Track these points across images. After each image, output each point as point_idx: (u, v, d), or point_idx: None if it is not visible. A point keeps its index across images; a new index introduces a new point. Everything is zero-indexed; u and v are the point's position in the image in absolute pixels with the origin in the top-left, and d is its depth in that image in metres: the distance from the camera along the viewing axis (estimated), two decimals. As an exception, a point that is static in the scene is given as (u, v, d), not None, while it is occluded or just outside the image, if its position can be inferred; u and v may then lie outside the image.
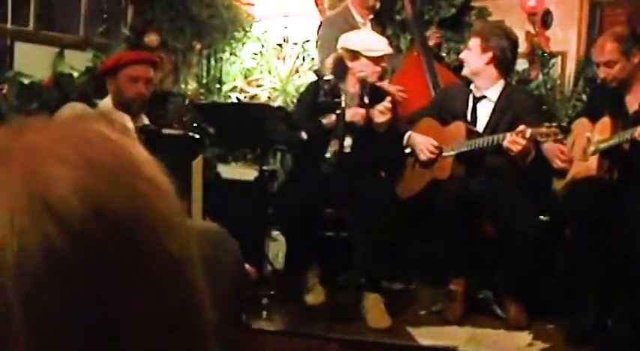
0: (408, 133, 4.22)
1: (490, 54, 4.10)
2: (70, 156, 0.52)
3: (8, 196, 0.49)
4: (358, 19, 4.75)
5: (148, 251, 0.52)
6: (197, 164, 3.51)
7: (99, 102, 3.88)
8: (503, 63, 4.13)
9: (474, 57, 4.12)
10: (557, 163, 3.89)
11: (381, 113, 3.98)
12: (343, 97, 3.93)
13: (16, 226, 0.48)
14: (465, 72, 4.17)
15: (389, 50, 4.19)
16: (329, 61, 4.28)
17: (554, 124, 3.77)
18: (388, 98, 4.06)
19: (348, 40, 4.20)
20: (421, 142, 4.16)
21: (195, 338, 0.56)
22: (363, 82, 4.06)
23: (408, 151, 4.24)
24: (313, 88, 4.21)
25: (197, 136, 3.75)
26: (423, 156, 4.14)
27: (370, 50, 4.08)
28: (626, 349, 3.45)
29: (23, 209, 0.49)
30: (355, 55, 4.10)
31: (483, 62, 4.10)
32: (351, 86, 4.12)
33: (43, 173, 0.50)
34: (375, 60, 4.08)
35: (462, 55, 4.21)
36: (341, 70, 4.16)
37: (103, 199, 0.51)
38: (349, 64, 4.12)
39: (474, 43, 4.12)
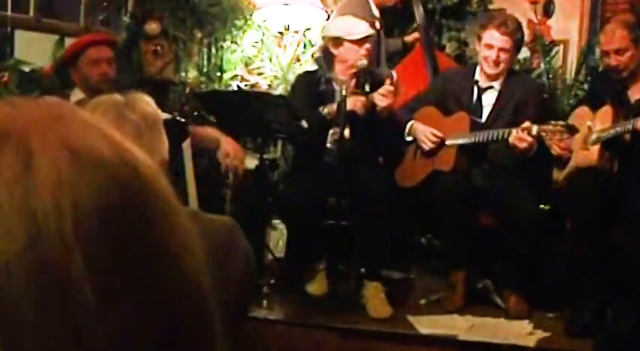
0: (410, 122, 4.22)
1: (517, 54, 4.22)
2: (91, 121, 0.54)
3: (49, 155, 0.50)
4: (375, 12, 4.76)
5: (158, 223, 0.54)
6: (186, 147, 3.54)
7: (69, 93, 3.89)
8: None
9: (509, 57, 4.07)
10: (556, 150, 3.89)
11: (383, 96, 3.97)
12: (344, 86, 3.95)
13: (64, 179, 0.49)
14: (496, 71, 4.07)
15: (370, 31, 4.19)
16: (316, 52, 4.32)
17: (560, 123, 3.76)
18: (388, 81, 4.06)
19: (329, 28, 4.28)
20: (423, 131, 4.16)
21: (200, 307, 0.56)
22: (361, 70, 4.07)
23: (410, 139, 4.24)
24: (309, 78, 4.23)
25: (183, 120, 3.77)
26: (425, 146, 4.13)
27: (351, 34, 4.10)
28: (625, 339, 3.45)
29: (68, 164, 0.50)
30: (338, 41, 4.12)
31: (513, 61, 4.15)
32: (340, 73, 4.14)
33: (77, 135, 0.52)
34: (359, 43, 4.09)
35: (502, 57, 4.01)
36: (328, 59, 4.18)
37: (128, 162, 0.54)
38: (334, 51, 4.15)
39: (509, 44, 4.02)
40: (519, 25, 4.12)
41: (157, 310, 0.52)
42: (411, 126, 4.22)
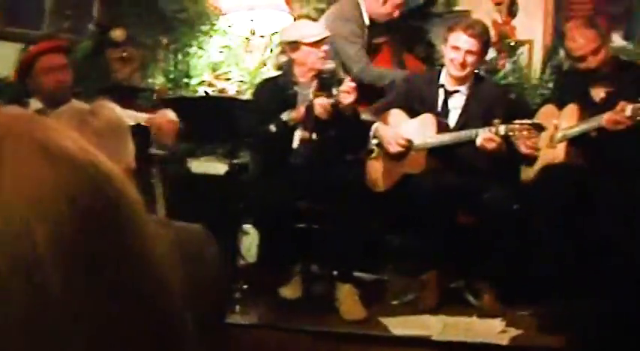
0: (375, 125, 4.23)
1: (484, 57, 4.24)
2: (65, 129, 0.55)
3: (21, 151, 0.51)
4: (366, 20, 4.78)
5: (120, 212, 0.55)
6: (151, 153, 3.54)
7: (29, 101, 3.86)
8: None
9: (476, 60, 4.10)
10: (524, 149, 3.92)
11: (347, 93, 3.98)
12: (311, 90, 3.97)
13: (34, 175, 0.50)
14: (462, 74, 4.07)
15: (326, 33, 4.21)
16: (280, 57, 4.35)
17: (527, 121, 3.80)
18: (348, 78, 4.08)
19: (285, 33, 4.32)
20: (390, 135, 4.16)
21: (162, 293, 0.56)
22: (325, 71, 4.08)
23: (375, 142, 4.24)
24: (270, 84, 4.25)
25: (148, 126, 3.75)
26: (393, 149, 4.14)
27: (306, 36, 4.12)
28: (597, 335, 3.49)
29: (39, 162, 0.51)
30: (295, 45, 4.14)
31: (480, 64, 4.17)
32: (301, 76, 4.15)
33: (49, 135, 0.53)
34: (315, 45, 4.11)
35: (468, 60, 4.03)
36: (287, 64, 4.23)
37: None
38: (292, 55, 4.17)
39: (476, 46, 4.04)
40: (486, 28, 4.16)
41: (123, 308, 0.52)
42: (376, 128, 4.23)
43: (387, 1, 4.74)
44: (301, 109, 3.95)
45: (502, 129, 3.79)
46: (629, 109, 3.56)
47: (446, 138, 4.02)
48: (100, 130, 1.84)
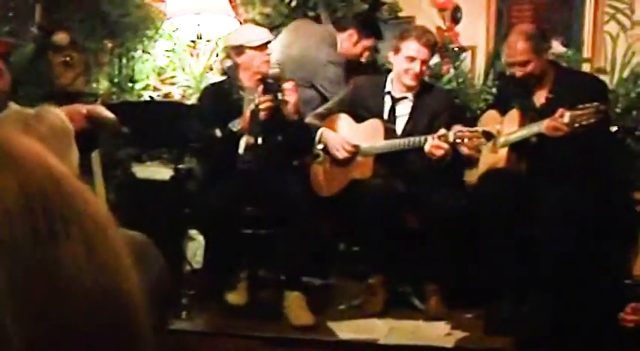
0: (320, 130, 4.24)
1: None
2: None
3: None
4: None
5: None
6: (95, 157, 3.50)
7: None
8: None
9: (427, 67, 4.20)
10: (464, 150, 3.96)
11: (290, 91, 4.00)
12: (256, 95, 3.96)
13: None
14: (415, 83, 4.12)
15: (270, 37, 4.26)
16: (225, 62, 4.37)
17: (478, 129, 3.85)
18: (287, 80, 4.10)
19: (230, 38, 4.33)
20: (336, 140, 4.18)
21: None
22: (270, 76, 4.09)
23: (321, 147, 4.25)
24: (215, 89, 4.25)
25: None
26: (339, 154, 4.15)
27: (251, 41, 4.14)
28: (542, 335, 3.54)
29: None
30: (240, 49, 4.15)
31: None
32: (246, 81, 4.16)
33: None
34: (260, 49, 4.13)
35: (423, 69, 4.12)
36: (232, 69, 4.24)
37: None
38: (238, 60, 4.18)
39: (428, 55, 4.11)
40: (435, 36, 4.22)
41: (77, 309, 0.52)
42: (322, 133, 4.24)
43: (357, 43, 4.80)
44: (248, 116, 3.95)
45: (451, 136, 3.82)
46: (567, 115, 3.62)
47: (394, 144, 4.04)
48: (45, 135, 1.83)
